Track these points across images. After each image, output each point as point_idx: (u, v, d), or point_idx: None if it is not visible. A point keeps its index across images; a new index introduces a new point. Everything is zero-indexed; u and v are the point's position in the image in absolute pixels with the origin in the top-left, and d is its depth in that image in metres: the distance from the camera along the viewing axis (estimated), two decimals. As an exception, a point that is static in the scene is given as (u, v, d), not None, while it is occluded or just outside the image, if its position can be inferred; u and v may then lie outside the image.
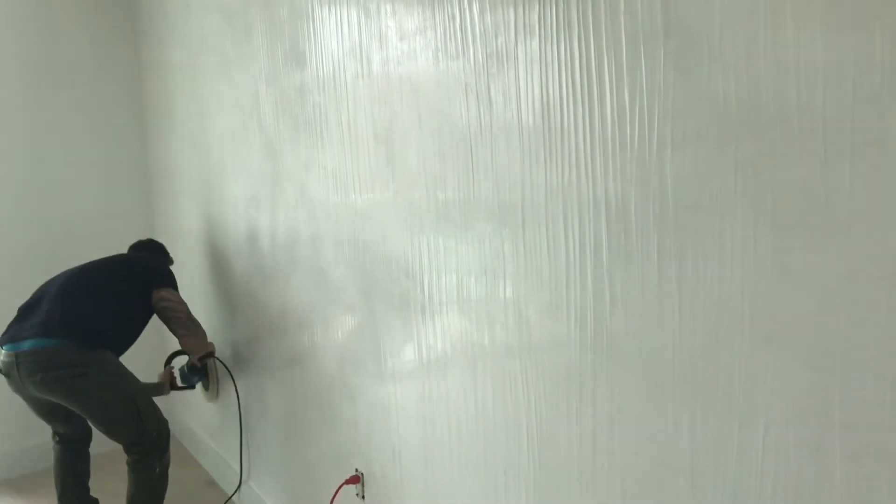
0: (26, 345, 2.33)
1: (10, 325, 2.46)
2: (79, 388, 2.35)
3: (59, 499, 2.68)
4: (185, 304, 2.69)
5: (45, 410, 2.53)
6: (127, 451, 2.51)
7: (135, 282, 2.64)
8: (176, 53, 3.03)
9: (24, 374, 2.32)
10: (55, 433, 2.67)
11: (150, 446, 2.50)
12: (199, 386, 3.08)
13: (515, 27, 1.22)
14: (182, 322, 2.65)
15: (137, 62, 3.54)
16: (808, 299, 0.87)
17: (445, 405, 1.57)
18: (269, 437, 2.64)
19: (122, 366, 2.51)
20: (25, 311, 2.48)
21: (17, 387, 2.39)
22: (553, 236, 1.21)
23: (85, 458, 2.72)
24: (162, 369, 2.91)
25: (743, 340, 0.94)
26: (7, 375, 2.37)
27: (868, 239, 0.81)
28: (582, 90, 1.11)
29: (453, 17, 1.35)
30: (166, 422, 2.59)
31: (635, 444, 1.12)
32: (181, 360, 2.93)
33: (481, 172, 1.35)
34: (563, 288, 1.20)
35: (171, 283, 2.72)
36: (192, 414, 3.49)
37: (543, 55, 1.17)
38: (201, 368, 2.84)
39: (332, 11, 1.78)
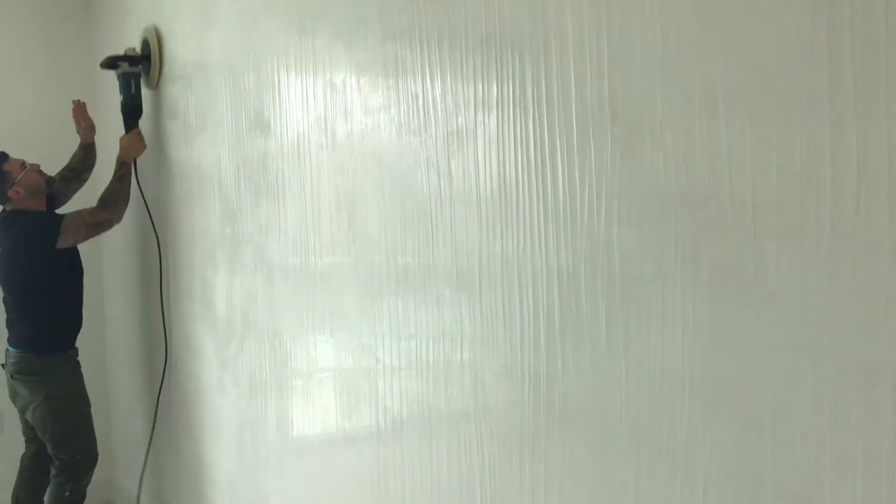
0: (11, 350, 2.76)
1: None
2: (35, 391, 2.71)
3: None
4: (81, 224, 2.70)
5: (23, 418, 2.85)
6: (52, 459, 2.77)
7: (39, 260, 2.69)
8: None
9: (8, 371, 2.77)
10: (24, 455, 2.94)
11: (68, 465, 2.75)
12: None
13: (475, 108, 1.31)
14: (93, 215, 2.73)
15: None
16: (740, 365, 0.95)
17: (400, 468, 1.60)
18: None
19: (75, 383, 2.80)
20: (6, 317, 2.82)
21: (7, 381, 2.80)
22: (508, 302, 1.28)
23: (41, 482, 2.87)
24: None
25: (683, 402, 1.01)
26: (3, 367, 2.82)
27: (793, 310, 0.89)
28: (536, 168, 1.20)
29: (416, 97, 1.45)
30: (95, 454, 2.85)
31: (584, 502, 1.17)
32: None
33: (440, 240, 1.42)
34: (518, 352, 1.26)
35: (53, 231, 2.66)
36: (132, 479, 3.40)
37: (501, 135, 1.26)
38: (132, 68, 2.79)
39: (299, 83, 1.86)
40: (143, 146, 2.83)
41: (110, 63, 2.80)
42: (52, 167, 2.92)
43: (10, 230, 2.70)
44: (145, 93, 2.87)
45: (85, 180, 3.07)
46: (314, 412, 1.94)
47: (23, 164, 2.70)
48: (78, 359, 2.86)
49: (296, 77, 1.88)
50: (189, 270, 2.65)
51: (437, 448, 1.48)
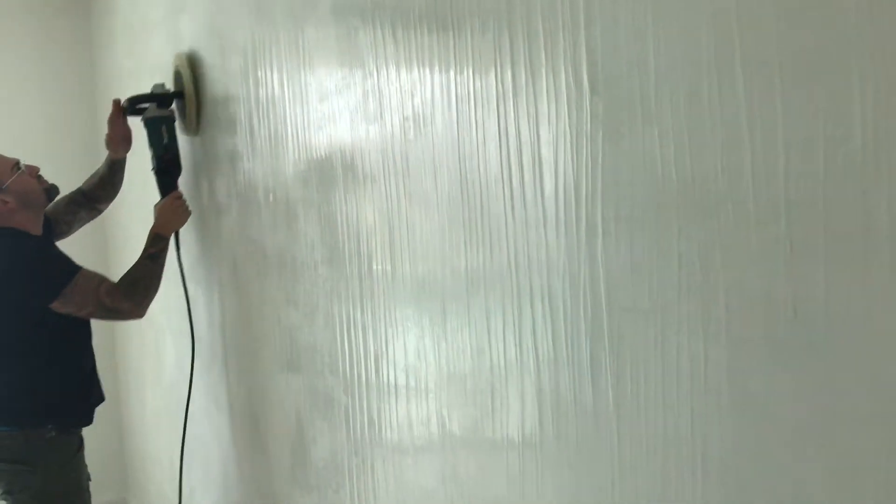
0: None
1: None
2: (16, 485, 1.92)
3: None
4: (91, 299, 1.87)
5: None
6: None
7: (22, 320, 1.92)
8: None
9: None
10: None
11: None
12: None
13: (432, 86, 1.03)
14: (113, 297, 1.89)
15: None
16: (774, 437, 0.64)
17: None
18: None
19: (78, 471, 2.01)
20: None
21: None
22: (477, 335, 0.99)
23: None
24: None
25: (695, 485, 0.71)
26: None
27: (852, 362, 0.59)
28: (498, 158, 0.91)
29: (371, 74, 1.17)
30: None
31: None
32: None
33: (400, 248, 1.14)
34: (489, 409, 0.98)
35: (52, 290, 1.85)
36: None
37: (459, 116, 0.97)
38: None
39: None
40: (187, 214, 2.05)
41: (132, 107, 2.04)
42: (49, 178, 2.19)
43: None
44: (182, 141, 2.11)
45: (100, 211, 2.33)
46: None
47: (16, 164, 1.92)
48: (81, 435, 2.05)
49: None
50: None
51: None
